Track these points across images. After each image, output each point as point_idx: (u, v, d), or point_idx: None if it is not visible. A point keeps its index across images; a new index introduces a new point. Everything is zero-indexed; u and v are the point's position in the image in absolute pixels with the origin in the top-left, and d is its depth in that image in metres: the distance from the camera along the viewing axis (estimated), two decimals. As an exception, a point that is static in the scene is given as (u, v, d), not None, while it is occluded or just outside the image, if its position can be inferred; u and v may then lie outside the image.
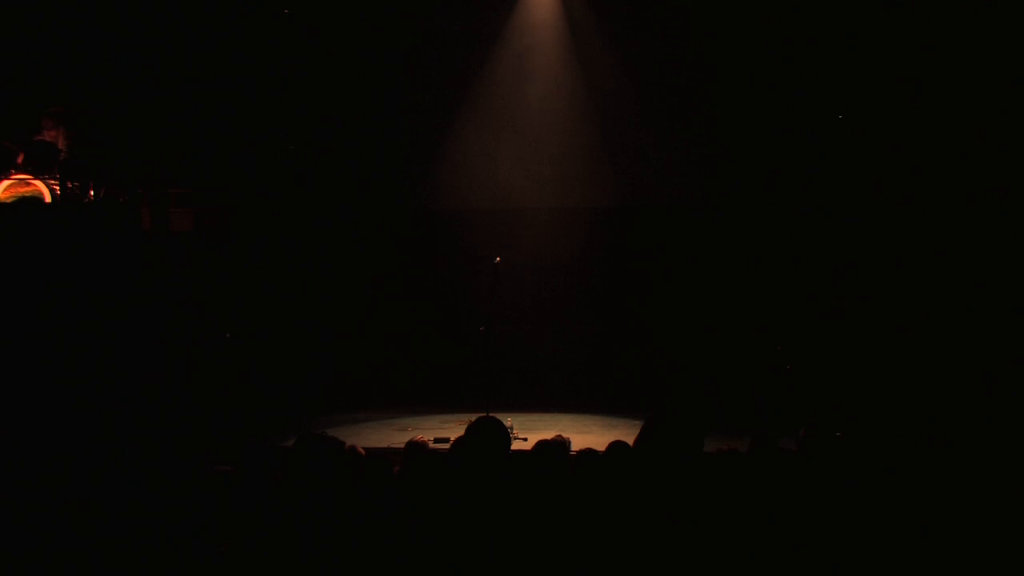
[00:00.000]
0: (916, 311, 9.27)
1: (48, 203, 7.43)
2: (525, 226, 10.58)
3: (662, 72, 10.42)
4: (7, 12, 8.53)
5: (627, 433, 4.11)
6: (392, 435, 8.37)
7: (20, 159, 7.61)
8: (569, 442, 4.47)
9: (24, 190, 7.44)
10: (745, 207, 10.36)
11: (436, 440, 7.47)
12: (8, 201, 7.38)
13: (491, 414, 4.47)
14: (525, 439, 7.85)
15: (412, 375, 10.64)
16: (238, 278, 10.07)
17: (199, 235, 9.89)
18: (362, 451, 4.35)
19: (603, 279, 10.64)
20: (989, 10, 8.92)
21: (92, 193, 7.74)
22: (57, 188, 7.46)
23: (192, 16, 9.52)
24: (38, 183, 7.43)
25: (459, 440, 3.96)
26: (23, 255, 7.04)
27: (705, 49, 10.26)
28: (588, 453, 4.15)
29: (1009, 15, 8.82)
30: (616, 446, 3.99)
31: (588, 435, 8.11)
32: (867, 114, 9.72)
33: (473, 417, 4.08)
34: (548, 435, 4.30)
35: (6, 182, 7.45)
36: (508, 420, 7.70)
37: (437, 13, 10.60)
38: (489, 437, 3.83)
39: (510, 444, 3.95)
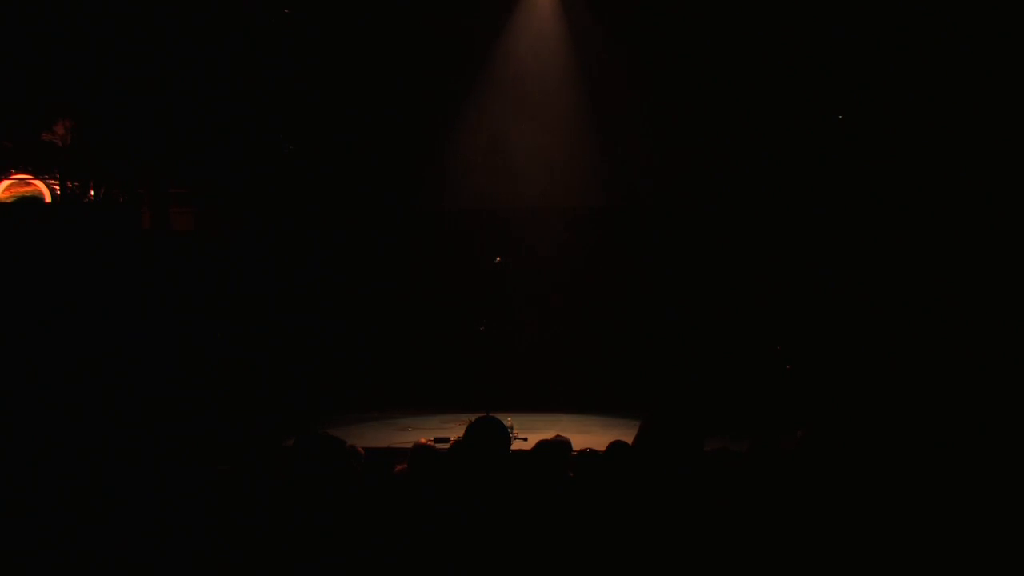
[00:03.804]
0: (916, 311, 9.27)
1: (48, 203, 7.44)
2: (526, 226, 10.58)
3: (659, 72, 10.42)
4: (7, 11, 8.54)
5: (627, 433, 4.11)
6: (392, 435, 8.38)
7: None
8: (569, 442, 4.47)
9: (24, 190, 7.46)
10: (745, 207, 10.36)
11: (436, 440, 7.47)
12: (8, 201, 7.39)
13: (491, 414, 4.48)
14: (525, 439, 7.85)
15: (412, 375, 10.64)
16: (238, 278, 10.07)
17: (199, 235, 9.89)
18: (362, 451, 4.36)
19: (603, 279, 10.65)
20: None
21: (92, 193, 7.75)
22: (57, 188, 7.47)
23: (192, 15, 9.52)
24: (38, 183, 7.45)
25: (459, 440, 3.96)
26: (23, 255, 7.05)
27: (701, 48, 10.26)
28: (588, 453, 4.16)
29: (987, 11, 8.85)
30: (616, 446, 3.99)
31: (588, 435, 8.11)
32: (869, 113, 9.71)
33: (473, 417, 4.09)
34: (548, 435, 4.30)
35: (6, 182, 7.47)
36: (508, 420, 7.70)
37: (437, 13, 10.60)
38: (489, 437, 3.83)
39: (510, 444, 3.96)
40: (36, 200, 7.41)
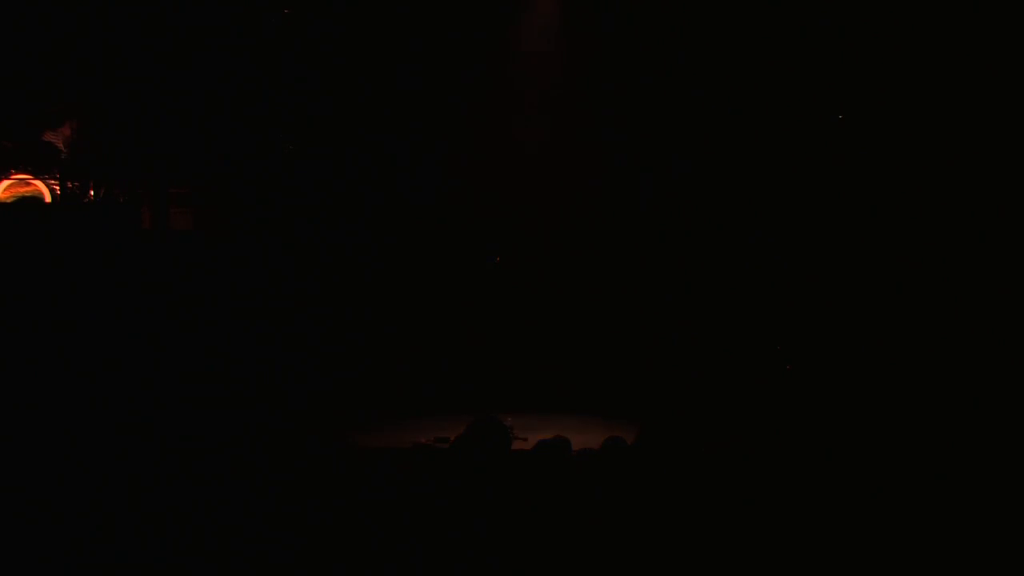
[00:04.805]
0: (916, 310, 9.27)
1: (48, 203, 7.45)
2: (525, 226, 10.58)
3: (659, 71, 10.43)
4: (8, 11, 8.54)
5: (626, 434, 4.12)
6: (393, 435, 8.37)
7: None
8: (569, 442, 4.47)
9: (24, 190, 7.48)
10: (744, 206, 10.36)
11: (436, 440, 7.47)
12: (8, 201, 7.40)
13: (491, 414, 4.48)
14: (525, 439, 7.85)
15: (413, 375, 10.62)
16: (238, 278, 10.06)
17: (199, 235, 9.89)
18: (361, 452, 4.36)
19: (604, 278, 10.65)
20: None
21: (92, 193, 7.76)
22: (57, 188, 7.49)
23: (193, 14, 9.52)
24: (38, 183, 7.47)
25: (459, 440, 3.96)
26: (23, 255, 7.05)
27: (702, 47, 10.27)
28: (588, 453, 4.16)
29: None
30: (610, 442, 3.99)
31: (588, 435, 8.10)
32: (872, 111, 9.71)
33: (473, 417, 4.09)
34: (548, 435, 4.31)
35: (6, 182, 7.49)
36: (508, 420, 7.70)
37: (436, 14, 10.61)
38: (489, 437, 3.84)
39: (510, 444, 3.96)
40: (36, 200, 7.42)
